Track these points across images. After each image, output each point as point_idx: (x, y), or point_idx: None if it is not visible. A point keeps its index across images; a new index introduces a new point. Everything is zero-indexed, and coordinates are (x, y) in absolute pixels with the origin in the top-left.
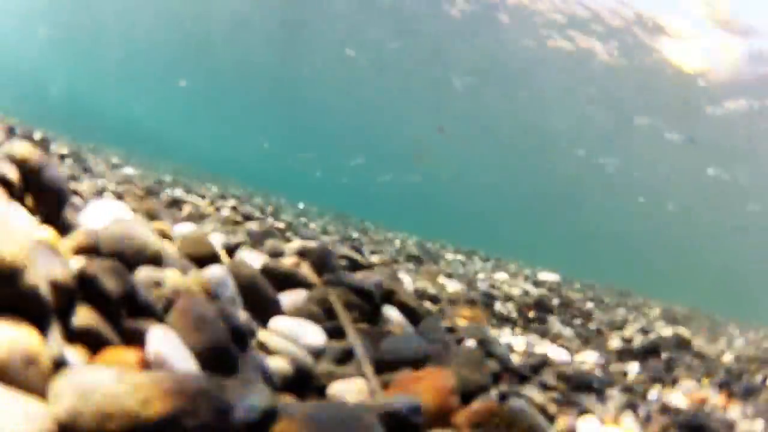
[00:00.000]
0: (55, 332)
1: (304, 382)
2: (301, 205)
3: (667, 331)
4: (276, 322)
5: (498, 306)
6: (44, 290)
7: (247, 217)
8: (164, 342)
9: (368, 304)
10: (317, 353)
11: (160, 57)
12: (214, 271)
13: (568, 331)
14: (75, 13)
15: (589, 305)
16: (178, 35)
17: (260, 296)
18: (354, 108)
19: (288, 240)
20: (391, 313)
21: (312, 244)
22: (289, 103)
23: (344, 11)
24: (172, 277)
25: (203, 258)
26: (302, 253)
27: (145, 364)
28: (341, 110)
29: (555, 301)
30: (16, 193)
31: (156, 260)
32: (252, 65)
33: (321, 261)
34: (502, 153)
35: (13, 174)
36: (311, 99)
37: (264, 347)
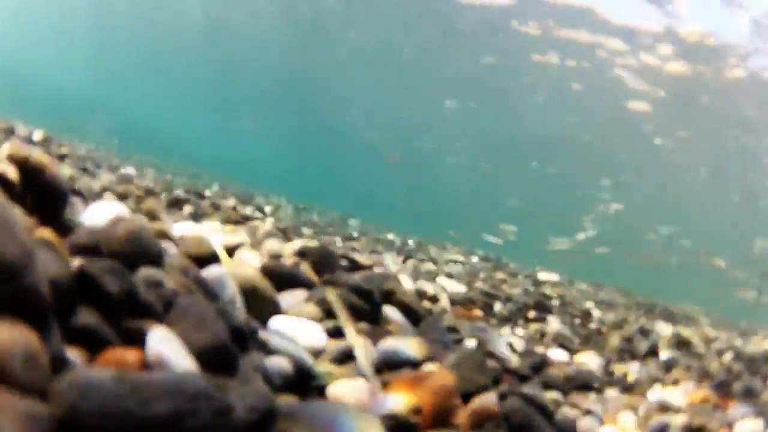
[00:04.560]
0: (55, 332)
1: (304, 382)
2: (301, 206)
3: (667, 331)
4: (276, 322)
5: (498, 306)
6: (44, 290)
7: (248, 217)
8: (164, 342)
9: (368, 304)
10: (317, 353)
11: (169, 56)
12: (214, 271)
13: (568, 331)
14: (79, 7)
15: (589, 305)
16: (187, 34)
17: (260, 296)
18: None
19: (288, 240)
20: (391, 313)
21: (312, 244)
22: (299, 102)
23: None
24: (171, 277)
25: (203, 258)
26: (302, 253)
27: (145, 364)
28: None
29: (555, 301)
30: (16, 193)
31: (156, 260)
32: (259, 63)
33: (321, 261)
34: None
35: (13, 174)
36: (323, 100)
37: (264, 347)
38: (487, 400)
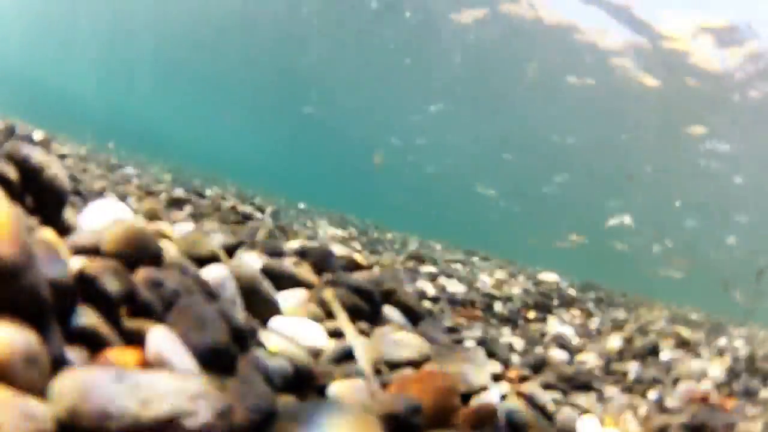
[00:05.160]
0: (55, 332)
1: (304, 382)
2: (301, 205)
3: (667, 330)
4: (276, 322)
5: (498, 306)
6: (44, 290)
7: (247, 217)
8: (164, 342)
9: (368, 304)
10: (317, 353)
11: (164, 53)
12: (214, 271)
13: (568, 331)
14: (75, 6)
15: (590, 305)
16: (183, 29)
17: (260, 296)
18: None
19: (288, 240)
20: (391, 313)
21: (312, 244)
22: (296, 100)
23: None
24: (171, 277)
25: (203, 258)
26: (302, 253)
27: (145, 364)
28: (348, 108)
29: (555, 301)
30: (16, 193)
31: (156, 260)
32: (257, 60)
33: (321, 261)
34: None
35: (13, 174)
36: (318, 95)
37: (264, 347)
38: (487, 400)
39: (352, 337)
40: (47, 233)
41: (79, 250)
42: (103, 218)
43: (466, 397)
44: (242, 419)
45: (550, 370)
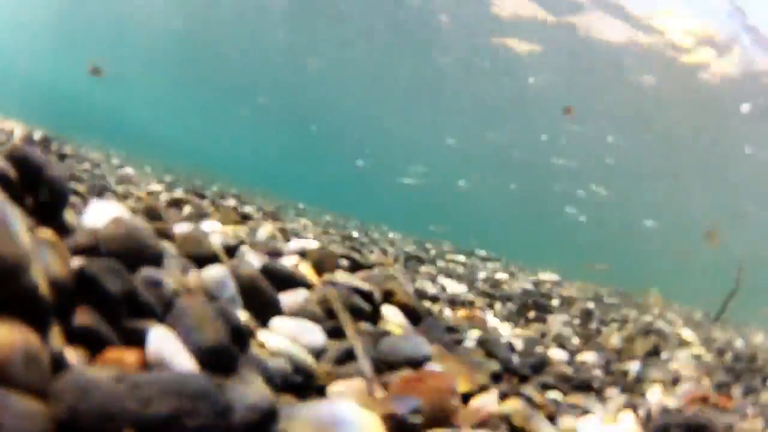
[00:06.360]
0: (55, 332)
1: (304, 382)
2: (301, 206)
3: (666, 330)
4: (276, 322)
5: (498, 306)
6: (44, 290)
7: (247, 217)
8: (164, 342)
9: (368, 304)
10: (317, 353)
11: (160, 54)
12: (214, 271)
13: (568, 331)
14: (71, 5)
15: (589, 305)
16: (178, 29)
17: (260, 296)
18: (356, 107)
19: (288, 240)
20: (391, 313)
21: (312, 244)
22: (292, 101)
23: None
24: (172, 277)
25: (203, 258)
26: (302, 253)
27: (145, 364)
28: (344, 109)
29: (555, 301)
30: (16, 193)
31: (156, 260)
32: (252, 60)
33: (321, 261)
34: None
35: (13, 174)
36: (316, 97)
37: (264, 347)
38: (487, 400)
39: (352, 337)
40: (47, 233)
41: (79, 250)
42: (103, 218)
43: (466, 397)
44: (242, 419)
45: (550, 370)
